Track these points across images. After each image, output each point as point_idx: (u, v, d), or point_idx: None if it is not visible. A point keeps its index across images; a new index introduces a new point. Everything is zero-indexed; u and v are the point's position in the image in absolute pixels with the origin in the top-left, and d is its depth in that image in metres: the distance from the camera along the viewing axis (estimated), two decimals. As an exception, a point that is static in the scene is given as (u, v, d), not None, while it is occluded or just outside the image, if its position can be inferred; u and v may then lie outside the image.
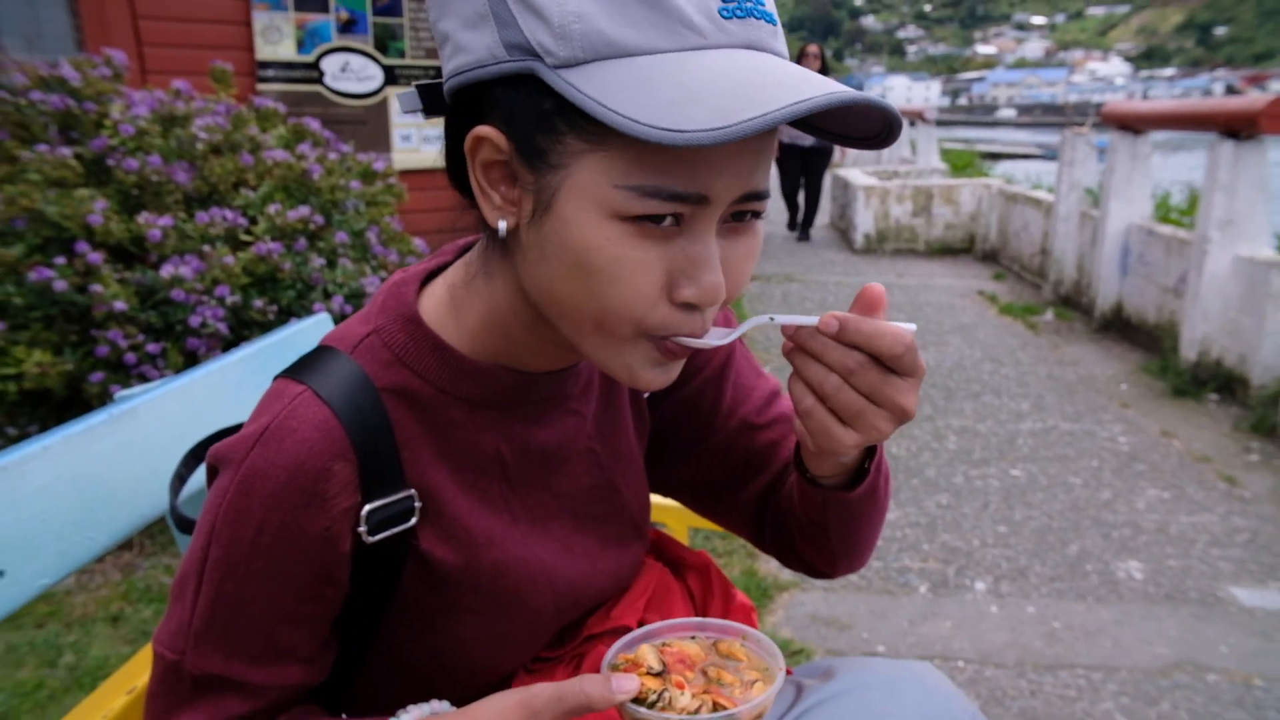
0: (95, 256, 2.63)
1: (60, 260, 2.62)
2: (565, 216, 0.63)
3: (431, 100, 0.70)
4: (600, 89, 0.59)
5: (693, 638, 0.78)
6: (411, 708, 0.71)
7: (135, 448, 1.08)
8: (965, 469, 3.73)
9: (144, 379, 2.72)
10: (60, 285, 2.58)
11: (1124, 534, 3.15)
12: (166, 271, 2.69)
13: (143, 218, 2.74)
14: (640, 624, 0.90)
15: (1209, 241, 4.49)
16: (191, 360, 2.80)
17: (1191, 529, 3.19)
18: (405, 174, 4.08)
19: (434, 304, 0.78)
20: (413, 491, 0.75)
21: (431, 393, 0.76)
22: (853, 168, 11.12)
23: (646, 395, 0.96)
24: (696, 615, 0.94)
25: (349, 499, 0.71)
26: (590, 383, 0.87)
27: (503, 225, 0.67)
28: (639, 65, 0.60)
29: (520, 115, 0.63)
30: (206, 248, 2.79)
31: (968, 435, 4.11)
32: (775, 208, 8.90)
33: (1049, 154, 21.62)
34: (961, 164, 13.04)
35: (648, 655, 0.73)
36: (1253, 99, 4.41)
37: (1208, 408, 4.41)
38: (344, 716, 0.90)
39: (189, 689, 0.73)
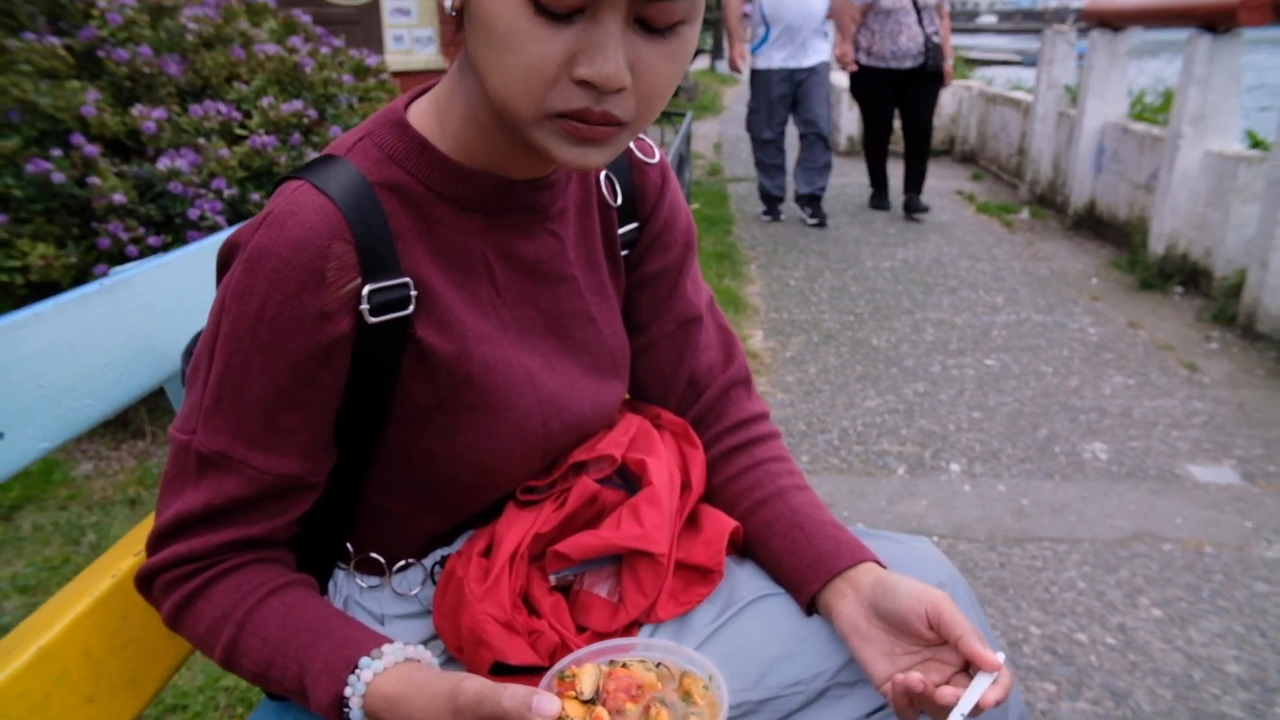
0: (91, 149, 2.52)
1: (56, 152, 2.51)
2: None
3: None
4: None
5: (659, 664, 0.72)
6: (386, 648, 0.71)
7: (130, 318, 1.03)
8: (942, 359, 3.72)
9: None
10: (58, 177, 2.48)
11: (1090, 418, 3.16)
12: (163, 164, 2.58)
13: (136, 110, 2.62)
14: (624, 459, 0.87)
15: (1181, 137, 4.39)
16: (193, 253, 2.72)
17: (1153, 412, 3.20)
18: (398, 75, 3.92)
19: (421, 112, 0.80)
20: (409, 280, 0.75)
21: (420, 189, 0.77)
22: (833, 70, 10.82)
23: (624, 251, 0.94)
24: (681, 469, 0.91)
25: (348, 278, 0.72)
26: (565, 211, 0.87)
27: (448, 3, 0.70)
28: None
29: None
30: (202, 141, 2.68)
31: (945, 327, 4.09)
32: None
33: (1028, 60, 21.07)
34: (943, 68, 12.70)
35: (585, 678, 0.69)
36: (1234, -8, 4.24)
37: (1173, 299, 4.39)
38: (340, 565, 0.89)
39: (195, 467, 0.74)
